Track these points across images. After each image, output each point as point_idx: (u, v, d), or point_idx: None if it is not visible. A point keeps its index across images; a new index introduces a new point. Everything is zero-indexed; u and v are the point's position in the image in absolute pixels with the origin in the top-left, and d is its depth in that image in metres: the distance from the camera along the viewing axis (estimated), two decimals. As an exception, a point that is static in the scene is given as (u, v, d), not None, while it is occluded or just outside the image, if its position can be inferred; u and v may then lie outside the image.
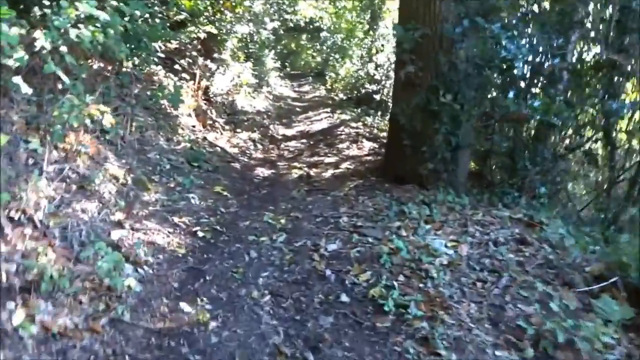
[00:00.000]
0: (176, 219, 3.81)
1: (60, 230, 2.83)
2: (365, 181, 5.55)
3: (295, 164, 6.86)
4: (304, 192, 5.18)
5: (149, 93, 5.85)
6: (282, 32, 19.73)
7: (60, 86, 3.47)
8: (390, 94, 12.45)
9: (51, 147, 3.29)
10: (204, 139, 6.48)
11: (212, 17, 8.86)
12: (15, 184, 2.85)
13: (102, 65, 5.07)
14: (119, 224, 3.35)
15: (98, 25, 3.78)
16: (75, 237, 2.88)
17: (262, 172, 6.20)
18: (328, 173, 6.15)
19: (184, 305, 2.76)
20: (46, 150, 3.23)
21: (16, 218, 2.67)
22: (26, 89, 3.11)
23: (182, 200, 4.23)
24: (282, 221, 4.19)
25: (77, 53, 3.81)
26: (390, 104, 12.19)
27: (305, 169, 6.44)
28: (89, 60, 4.76)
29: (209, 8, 8.65)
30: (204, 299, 2.87)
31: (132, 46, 4.93)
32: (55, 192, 3.10)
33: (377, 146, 8.42)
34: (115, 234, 3.16)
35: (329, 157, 7.51)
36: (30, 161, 3.12)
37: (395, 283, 3.03)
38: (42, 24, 3.54)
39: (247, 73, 11.39)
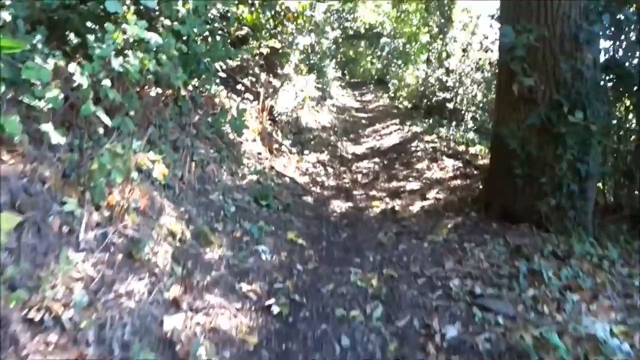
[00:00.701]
0: (244, 287, 3.03)
1: (96, 331, 2.11)
2: (465, 219, 4.56)
3: (374, 192, 5.97)
4: (392, 235, 4.26)
5: (209, 120, 5.20)
6: (340, 40, 18.99)
7: (102, 130, 2.81)
8: (465, 101, 11.34)
9: (91, 208, 2.61)
10: (271, 167, 5.75)
11: (274, 31, 8.22)
12: (41, 266, 2.18)
13: (159, 91, 4.45)
14: (175, 304, 2.61)
15: (150, 49, 3.13)
16: (116, 339, 2.15)
17: (339, 206, 5.35)
18: (416, 206, 5.20)
19: None
20: (84, 212, 2.56)
21: (37, 319, 1.98)
22: (58, 139, 2.45)
23: (250, 257, 3.46)
24: (374, 283, 3.30)
25: (124, 84, 3.17)
26: (465, 113, 11.10)
27: (387, 199, 5.53)
28: (145, 87, 4.15)
29: (271, 21, 8.01)
30: None
31: (191, 68, 4.28)
32: (94, 269, 2.40)
33: (460, 165, 7.37)
34: (169, 323, 2.41)
35: (409, 181, 6.57)
36: (65, 229, 2.44)
37: (562, 407, 2.07)
38: (82, 53, 2.91)
39: (311, 86, 10.68)
